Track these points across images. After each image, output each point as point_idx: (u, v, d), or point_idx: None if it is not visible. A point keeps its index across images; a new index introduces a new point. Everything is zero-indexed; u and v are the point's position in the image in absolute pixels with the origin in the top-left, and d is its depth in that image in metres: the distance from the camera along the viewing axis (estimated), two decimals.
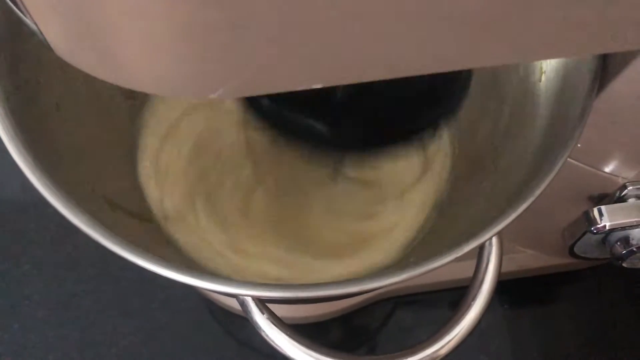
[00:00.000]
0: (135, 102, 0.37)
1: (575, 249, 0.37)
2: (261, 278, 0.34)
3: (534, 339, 0.46)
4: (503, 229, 0.23)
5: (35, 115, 0.27)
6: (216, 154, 0.37)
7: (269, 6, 0.15)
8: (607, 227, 0.32)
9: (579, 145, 0.26)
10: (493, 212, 0.24)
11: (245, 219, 0.35)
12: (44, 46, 0.18)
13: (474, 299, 0.24)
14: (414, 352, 0.24)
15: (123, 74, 0.17)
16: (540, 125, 0.28)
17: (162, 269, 0.22)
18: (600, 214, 0.32)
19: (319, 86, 0.19)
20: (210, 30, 0.16)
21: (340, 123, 0.26)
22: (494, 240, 0.25)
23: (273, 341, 0.23)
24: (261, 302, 0.23)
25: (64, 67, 0.30)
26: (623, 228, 0.32)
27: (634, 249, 0.32)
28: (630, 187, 0.31)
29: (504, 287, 0.42)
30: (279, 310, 0.25)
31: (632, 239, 0.33)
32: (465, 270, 0.29)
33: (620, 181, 0.32)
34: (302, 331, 0.24)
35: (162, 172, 0.36)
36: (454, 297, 0.45)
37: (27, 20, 0.18)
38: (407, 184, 0.37)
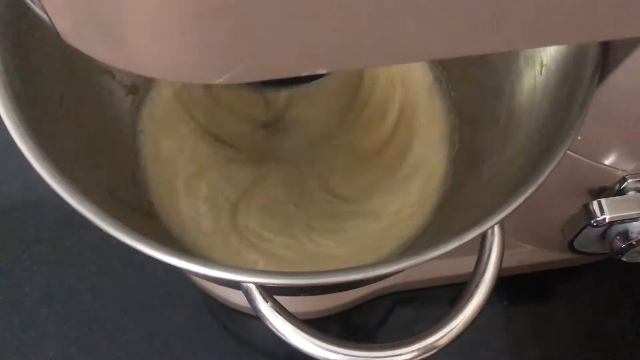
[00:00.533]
0: (135, 96, 0.37)
1: (575, 244, 0.37)
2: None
3: (533, 335, 0.46)
4: (505, 217, 0.24)
5: (40, 109, 0.27)
6: (216, 147, 0.37)
7: None
8: (607, 220, 0.32)
9: (579, 137, 0.26)
10: (495, 204, 0.24)
11: (246, 209, 0.36)
12: (51, 32, 0.18)
13: (476, 287, 0.24)
14: (415, 341, 0.24)
15: (132, 59, 0.17)
16: (541, 116, 0.28)
17: (168, 257, 0.22)
18: (600, 207, 0.32)
19: (322, 71, 0.19)
20: (219, 15, 0.16)
21: None
22: (496, 229, 0.25)
23: (278, 330, 0.23)
24: (265, 291, 0.23)
25: (68, 60, 0.30)
26: (623, 221, 0.32)
27: (634, 243, 0.33)
28: (630, 180, 0.32)
29: (504, 283, 0.42)
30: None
31: (632, 233, 0.33)
32: (465, 266, 0.29)
33: (620, 174, 0.32)
34: None
35: (163, 165, 0.36)
36: (454, 293, 0.45)
37: (35, 7, 0.18)
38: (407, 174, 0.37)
